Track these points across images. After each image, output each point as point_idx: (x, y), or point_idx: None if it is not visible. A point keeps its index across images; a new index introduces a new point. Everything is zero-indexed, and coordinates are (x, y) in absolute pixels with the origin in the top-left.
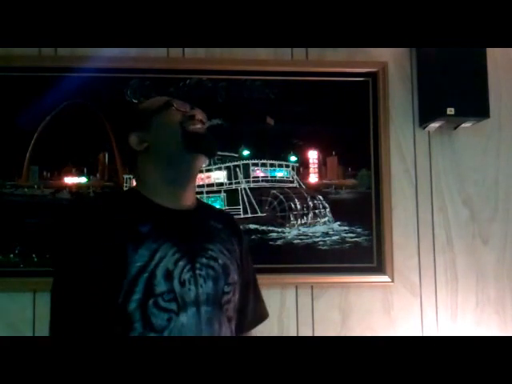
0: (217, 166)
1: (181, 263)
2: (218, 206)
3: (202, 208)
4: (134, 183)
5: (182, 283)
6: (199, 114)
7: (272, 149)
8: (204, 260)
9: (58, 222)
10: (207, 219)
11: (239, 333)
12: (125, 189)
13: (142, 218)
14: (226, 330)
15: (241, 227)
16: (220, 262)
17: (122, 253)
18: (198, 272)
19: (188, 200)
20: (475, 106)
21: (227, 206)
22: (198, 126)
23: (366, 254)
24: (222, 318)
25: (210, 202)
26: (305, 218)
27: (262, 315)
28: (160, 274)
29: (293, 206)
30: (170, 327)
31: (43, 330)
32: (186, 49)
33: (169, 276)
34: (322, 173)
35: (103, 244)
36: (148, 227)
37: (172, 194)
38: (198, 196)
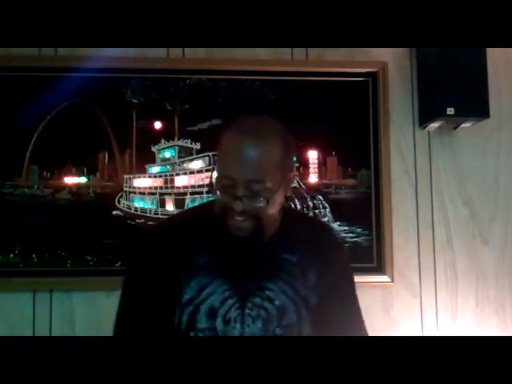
0: None
1: (229, 301)
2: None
3: (282, 236)
4: (134, 183)
5: (227, 322)
6: (240, 205)
7: None
8: (258, 300)
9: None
10: (280, 252)
11: None
12: (125, 189)
13: (204, 246)
14: None
15: (330, 247)
16: (276, 303)
17: (175, 281)
18: (247, 311)
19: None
20: (475, 106)
21: None
22: (238, 224)
23: (365, 254)
24: None
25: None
26: None
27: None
28: (203, 311)
29: (293, 206)
30: None
31: (43, 329)
32: (185, 49)
33: (212, 314)
34: (321, 173)
35: (159, 270)
36: (205, 259)
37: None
38: (198, 196)
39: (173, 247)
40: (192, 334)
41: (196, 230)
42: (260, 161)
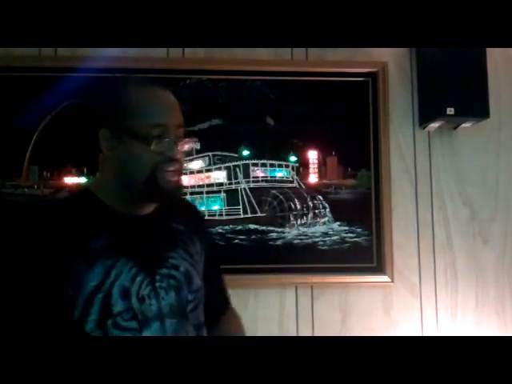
0: (217, 166)
1: (138, 278)
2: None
3: (165, 209)
4: None
5: (141, 299)
6: (177, 151)
7: (272, 149)
8: (164, 270)
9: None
10: (168, 222)
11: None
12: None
13: (96, 230)
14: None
15: (201, 220)
16: (182, 269)
17: (73, 270)
18: (158, 284)
19: (147, 207)
20: (475, 106)
21: (227, 206)
22: (170, 176)
23: (365, 254)
24: (188, 327)
25: (209, 203)
26: (304, 218)
27: (224, 307)
28: (116, 293)
29: (292, 206)
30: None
31: None
32: (185, 49)
33: (126, 294)
34: (321, 173)
35: (48, 262)
36: (101, 242)
37: (130, 199)
38: (198, 196)
39: (59, 236)
40: (109, 321)
41: (79, 212)
42: (178, 105)
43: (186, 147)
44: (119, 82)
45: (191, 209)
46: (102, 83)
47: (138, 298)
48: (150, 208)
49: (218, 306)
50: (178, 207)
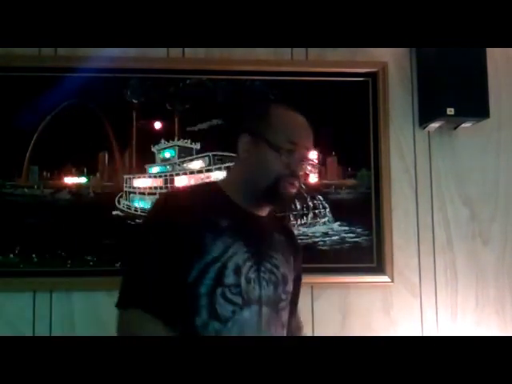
0: (217, 166)
1: (248, 263)
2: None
3: (272, 219)
4: (135, 183)
5: (248, 280)
6: (301, 169)
7: None
8: (268, 265)
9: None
10: (273, 230)
11: None
12: (125, 189)
13: (222, 212)
14: (280, 335)
15: (298, 244)
16: (281, 270)
17: (200, 240)
18: (262, 275)
19: (263, 209)
20: (475, 106)
21: None
22: (290, 188)
23: (366, 254)
24: (278, 322)
25: None
26: (305, 218)
27: (298, 328)
28: (231, 267)
29: (292, 206)
30: (233, 319)
31: (43, 329)
32: (185, 49)
33: (238, 271)
34: (321, 173)
35: (183, 229)
36: (226, 222)
37: (252, 197)
38: None
39: (190, 212)
40: (219, 290)
41: (208, 199)
42: (311, 131)
43: (310, 168)
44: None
45: (291, 231)
46: (96, 85)
47: (245, 278)
48: (264, 212)
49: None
50: (279, 223)
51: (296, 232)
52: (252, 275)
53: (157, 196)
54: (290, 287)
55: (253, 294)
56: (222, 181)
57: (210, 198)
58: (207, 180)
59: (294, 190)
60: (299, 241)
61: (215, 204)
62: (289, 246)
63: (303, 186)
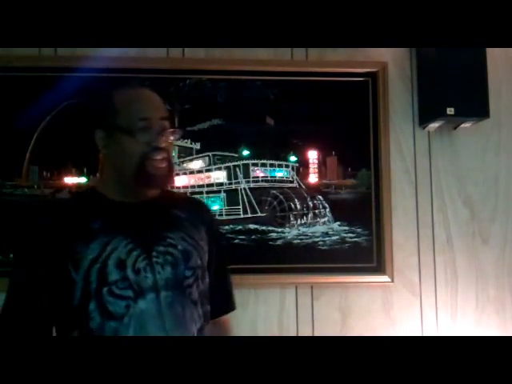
0: (216, 166)
1: (134, 253)
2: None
3: (166, 198)
4: None
5: (137, 271)
6: (161, 140)
7: (272, 149)
8: (161, 248)
9: (20, 221)
10: (169, 208)
11: (209, 318)
12: None
13: (94, 215)
14: (192, 313)
15: (209, 215)
16: (179, 247)
17: (73, 249)
18: (154, 260)
19: (147, 194)
20: (475, 105)
21: (227, 206)
22: (158, 164)
23: (365, 254)
24: (186, 301)
25: (209, 203)
26: (305, 218)
27: (226, 307)
28: (112, 264)
29: (293, 206)
30: (129, 313)
31: None
32: (185, 49)
33: (121, 265)
34: (321, 173)
35: (50, 244)
36: (99, 223)
37: (129, 191)
38: (198, 196)
39: (61, 222)
40: (105, 289)
41: (80, 203)
42: (160, 100)
43: (173, 136)
44: (109, 85)
45: (199, 203)
46: (96, 85)
47: (133, 270)
48: (149, 195)
49: (219, 304)
50: (182, 199)
51: (296, 232)
52: (141, 264)
53: None
54: (196, 261)
55: (145, 282)
56: (97, 182)
57: (85, 202)
58: (200, 180)
59: (163, 165)
60: (299, 241)
61: (89, 208)
62: (193, 219)
63: (173, 156)
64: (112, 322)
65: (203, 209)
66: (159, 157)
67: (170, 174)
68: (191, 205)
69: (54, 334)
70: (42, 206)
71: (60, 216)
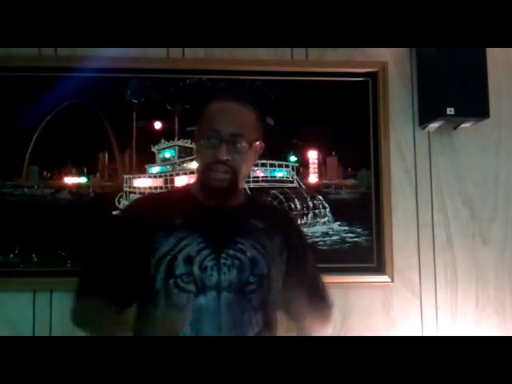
0: None
1: (205, 252)
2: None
3: (248, 207)
4: (135, 183)
5: (204, 269)
6: (224, 153)
7: (272, 149)
8: (231, 251)
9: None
10: (248, 218)
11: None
12: (125, 189)
13: (179, 211)
14: (250, 318)
15: (287, 223)
16: (248, 254)
17: (152, 239)
18: (222, 261)
19: (231, 200)
20: (475, 105)
21: None
22: (218, 176)
23: (365, 254)
24: (246, 305)
25: None
26: (305, 218)
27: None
28: (181, 258)
29: (293, 206)
30: (188, 306)
31: (43, 329)
32: (185, 49)
33: (189, 261)
34: (321, 173)
35: (136, 229)
36: (181, 220)
37: (209, 195)
38: None
39: (147, 213)
40: (171, 280)
41: (171, 200)
42: (239, 118)
43: (240, 153)
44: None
45: (279, 212)
46: (96, 85)
47: (200, 267)
48: (234, 202)
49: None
50: (264, 208)
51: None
52: (209, 263)
53: None
54: (262, 270)
55: (209, 280)
56: (193, 183)
57: (176, 199)
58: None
59: (224, 178)
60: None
61: (177, 205)
62: (269, 229)
63: (240, 172)
64: (174, 312)
65: (282, 218)
66: (220, 169)
67: (230, 188)
68: (271, 214)
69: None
70: (143, 197)
71: (151, 207)
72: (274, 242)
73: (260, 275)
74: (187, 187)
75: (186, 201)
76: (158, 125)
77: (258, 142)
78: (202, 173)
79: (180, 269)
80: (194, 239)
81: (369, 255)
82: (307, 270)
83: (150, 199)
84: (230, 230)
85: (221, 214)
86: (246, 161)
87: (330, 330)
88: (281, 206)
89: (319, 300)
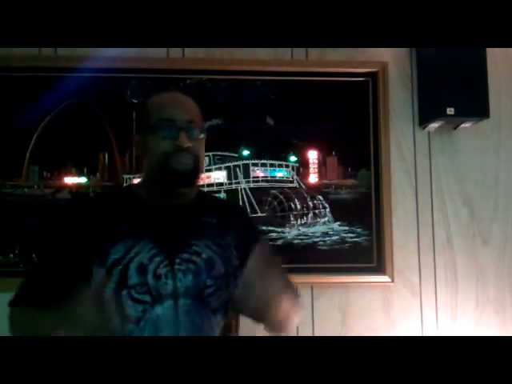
0: (217, 166)
1: (157, 258)
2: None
3: (200, 203)
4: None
5: (158, 277)
6: (185, 141)
7: (272, 149)
8: (185, 255)
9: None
10: (200, 214)
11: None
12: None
13: (124, 215)
14: (210, 322)
15: (240, 217)
16: (204, 256)
17: (99, 247)
18: (176, 267)
19: (181, 197)
20: (475, 106)
21: None
22: (182, 161)
23: (365, 254)
24: (204, 310)
25: None
26: (305, 218)
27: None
28: (133, 268)
29: (293, 206)
30: (144, 318)
31: None
32: (185, 49)
33: (142, 270)
34: (321, 173)
35: (78, 238)
36: (127, 225)
37: (160, 192)
38: None
39: (91, 219)
40: (124, 292)
41: (114, 203)
42: (191, 105)
43: (197, 140)
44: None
45: (232, 207)
46: (96, 85)
47: (154, 275)
48: (183, 200)
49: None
50: (215, 202)
51: (296, 232)
52: (162, 270)
53: None
54: (219, 270)
55: (165, 289)
56: (136, 183)
57: (118, 201)
58: (201, 180)
59: (185, 162)
60: (299, 241)
61: (121, 207)
62: (223, 224)
63: (200, 156)
64: (129, 324)
65: (236, 213)
66: (182, 158)
67: (195, 171)
68: (223, 209)
69: None
70: (78, 200)
71: (92, 212)
72: (228, 236)
73: (217, 277)
74: (129, 187)
75: (130, 202)
76: None
77: (204, 134)
78: (161, 163)
79: (133, 279)
80: (144, 245)
81: (369, 255)
82: (262, 263)
83: (90, 204)
84: (183, 231)
85: (171, 214)
86: (203, 148)
87: (297, 320)
88: (227, 201)
89: (279, 292)
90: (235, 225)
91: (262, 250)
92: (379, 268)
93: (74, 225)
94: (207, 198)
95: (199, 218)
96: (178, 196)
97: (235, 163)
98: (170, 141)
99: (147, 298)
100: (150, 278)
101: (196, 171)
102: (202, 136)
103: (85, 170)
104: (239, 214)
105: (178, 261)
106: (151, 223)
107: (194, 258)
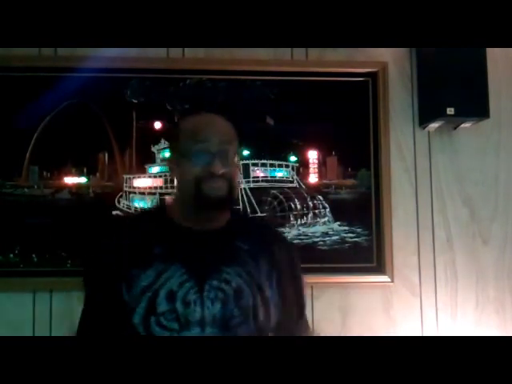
0: None
1: (187, 284)
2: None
3: (233, 227)
4: (134, 183)
5: (186, 304)
6: (219, 167)
7: (272, 149)
8: (215, 282)
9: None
10: (232, 240)
11: None
12: (125, 189)
13: (156, 239)
14: None
15: (275, 242)
16: (233, 284)
17: (128, 273)
18: (205, 294)
19: (214, 221)
20: (475, 106)
21: None
22: (215, 186)
23: (365, 254)
24: None
25: None
26: (304, 218)
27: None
28: (163, 294)
29: (292, 206)
30: None
31: (43, 330)
32: (185, 49)
33: (171, 297)
34: (321, 173)
35: (108, 264)
36: (159, 249)
37: (193, 216)
38: None
39: (124, 244)
40: (153, 318)
41: (146, 226)
42: (225, 127)
43: (231, 165)
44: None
45: (265, 230)
46: (96, 85)
47: (183, 302)
48: (216, 224)
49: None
50: (249, 226)
51: (296, 232)
52: (192, 297)
53: (157, 196)
54: (247, 301)
55: (193, 316)
56: (168, 204)
57: (151, 225)
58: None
59: (218, 187)
60: (299, 241)
61: (154, 231)
62: (255, 250)
63: (237, 181)
64: None
65: (269, 236)
66: (214, 184)
67: (229, 197)
68: (257, 233)
69: None
70: (110, 223)
71: (123, 236)
72: (260, 263)
73: (245, 307)
74: (161, 209)
75: (163, 225)
76: (157, 125)
77: (237, 157)
78: (193, 187)
79: (162, 306)
80: (175, 270)
81: (369, 255)
82: (296, 291)
83: (119, 228)
84: (214, 257)
85: (203, 239)
86: (237, 172)
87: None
88: (267, 222)
89: (301, 322)
90: (268, 251)
91: (301, 274)
92: (379, 268)
93: (105, 251)
94: (242, 221)
95: (231, 243)
96: (210, 220)
97: None
98: (202, 167)
99: (175, 325)
100: (178, 305)
101: (230, 196)
102: (236, 159)
103: (85, 170)
104: (274, 237)
105: (207, 287)
106: (183, 247)
107: (223, 285)
